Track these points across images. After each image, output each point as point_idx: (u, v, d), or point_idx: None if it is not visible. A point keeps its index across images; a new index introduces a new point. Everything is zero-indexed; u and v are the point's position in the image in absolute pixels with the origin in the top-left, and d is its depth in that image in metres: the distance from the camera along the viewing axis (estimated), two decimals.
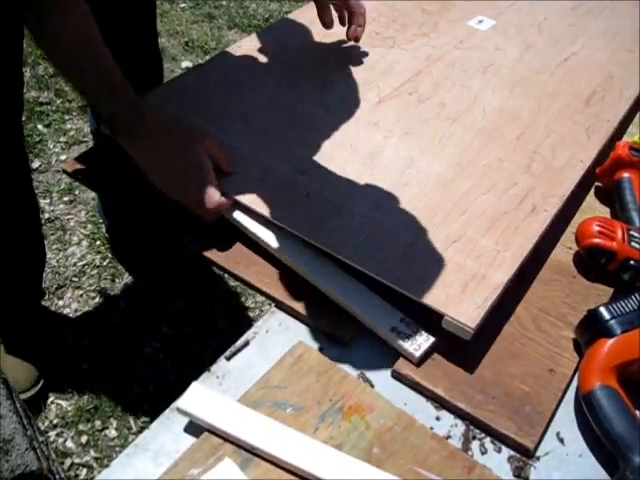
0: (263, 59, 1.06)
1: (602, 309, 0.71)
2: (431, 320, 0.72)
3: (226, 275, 0.81)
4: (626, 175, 0.89)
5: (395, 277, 0.73)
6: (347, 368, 0.70)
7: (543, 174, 0.89)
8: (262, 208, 0.80)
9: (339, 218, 0.80)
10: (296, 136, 0.91)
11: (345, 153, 0.89)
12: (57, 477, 0.69)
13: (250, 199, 0.81)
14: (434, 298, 0.71)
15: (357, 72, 1.05)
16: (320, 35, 1.13)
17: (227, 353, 0.71)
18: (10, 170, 1.15)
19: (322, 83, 1.02)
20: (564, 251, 0.85)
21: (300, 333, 0.74)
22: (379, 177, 0.86)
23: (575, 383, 0.70)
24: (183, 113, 0.92)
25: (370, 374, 0.70)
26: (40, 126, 1.99)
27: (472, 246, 0.77)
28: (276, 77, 1.02)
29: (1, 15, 0.92)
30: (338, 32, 1.14)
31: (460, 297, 0.71)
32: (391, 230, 0.79)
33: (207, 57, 2.35)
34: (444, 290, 0.72)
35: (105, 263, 1.63)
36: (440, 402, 0.68)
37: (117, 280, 1.60)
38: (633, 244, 0.79)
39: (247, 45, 1.09)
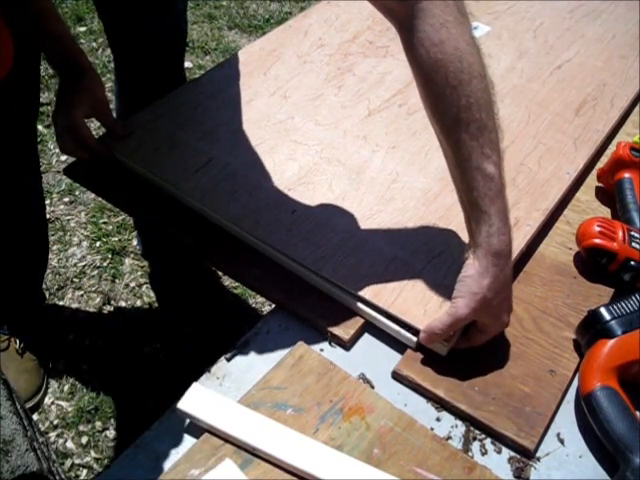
0: (257, 72, 1.06)
1: (602, 310, 0.71)
2: None
3: (226, 275, 0.81)
4: (627, 175, 0.89)
5: (374, 293, 0.74)
6: (347, 369, 0.70)
7: (528, 187, 0.89)
8: (247, 226, 0.80)
9: (323, 234, 0.80)
10: (285, 152, 0.91)
11: (332, 168, 0.90)
12: (57, 478, 0.69)
13: (237, 216, 0.81)
14: (411, 314, 0.72)
15: (349, 84, 1.05)
16: (315, 46, 1.13)
17: (227, 354, 0.71)
18: (24, 174, 1.15)
19: (313, 97, 1.02)
20: (565, 252, 0.85)
21: (300, 334, 0.74)
22: (365, 192, 0.86)
23: (576, 384, 0.70)
24: (176, 129, 0.92)
25: (370, 375, 0.70)
26: (40, 127, 1.99)
27: (452, 261, 0.77)
28: (269, 91, 1.02)
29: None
30: (332, 42, 1.14)
31: (438, 313, 0.71)
32: (374, 245, 0.79)
33: (207, 57, 2.35)
34: (422, 306, 0.73)
35: (105, 264, 1.62)
36: (440, 403, 0.68)
37: (117, 280, 1.60)
38: (634, 245, 0.79)
39: (242, 57, 1.09)
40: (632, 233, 0.80)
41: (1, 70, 0.53)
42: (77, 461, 1.27)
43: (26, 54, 0.89)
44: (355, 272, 0.76)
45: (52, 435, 1.30)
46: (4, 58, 0.55)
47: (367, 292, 0.74)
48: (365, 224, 0.82)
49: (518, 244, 0.80)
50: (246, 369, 0.70)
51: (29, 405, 1.32)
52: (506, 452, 0.65)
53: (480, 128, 0.65)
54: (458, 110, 0.64)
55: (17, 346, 1.34)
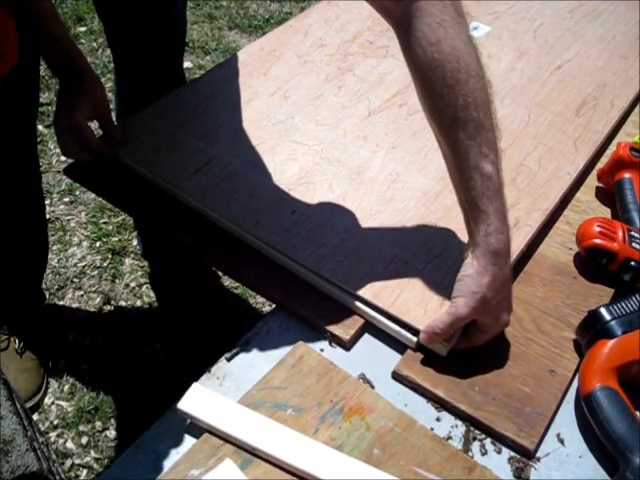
0: (257, 72, 1.06)
1: (603, 310, 0.71)
2: None
3: (226, 275, 0.81)
4: (627, 176, 0.89)
5: (374, 294, 0.74)
6: (347, 369, 0.70)
7: (528, 187, 0.89)
8: (247, 226, 0.80)
9: (323, 235, 0.80)
10: (286, 152, 0.91)
11: (333, 168, 0.89)
12: (57, 478, 0.69)
13: (237, 216, 0.81)
14: (411, 314, 0.72)
15: (349, 84, 1.05)
16: (315, 46, 1.13)
17: (228, 354, 0.71)
18: (24, 174, 1.15)
19: (314, 97, 1.02)
20: (565, 252, 0.85)
21: (300, 334, 0.74)
22: (365, 192, 0.86)
23: (576, 384, 0.70)
24: (176, 129, 0.92)
25: (370, 375, 0.70)
26: (40, 127, 1.99)
27: (452, 262, 0.77)
28: (269, 91, 1.02)
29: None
30: (332, 42, 1.14)
31: (438, 313, 0.71)
32: (374, 245, 0.79)
33: (207, 57, 2.35)
34: (422, 306, 0.73)
35: (105, 264, 1.63)
36: (440, 403, 0.68)
37: (117, 280, 1.60)
38: (634, 245, 0.79)
39: (242, 57, 1.09)
40: (632, 233, 0.80)
41: (7, 65, 0.52)
42: (77, 461, 1.27)
43: (27, 53, 0.89)
44: (355, 272, 0.76)
45: (52, 435, 1.30)
46: (10, 52, 0.53)
47: (367, 292, 0.74)
48: (365, 224, 0.82)
49: (518, 244, 0.80)
50: (246, 369, 0.70)
51: (29, 405, 1.33)
52: (506, 452, 0.65)
53: (477, 127, 0.65)
54: (455, 109, 0.65)
55: (17, 346, 1.34)
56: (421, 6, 0.63)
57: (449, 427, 0.67)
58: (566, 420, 0.69)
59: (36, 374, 1.36)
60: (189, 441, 0.63)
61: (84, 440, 1.30)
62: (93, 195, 1.74)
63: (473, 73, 0.65)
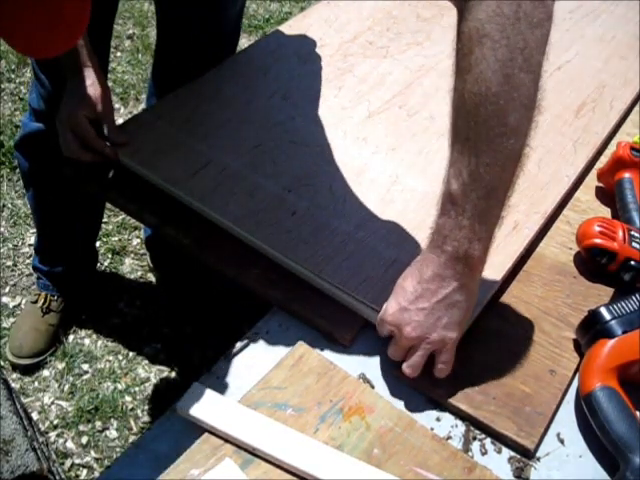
0: (257, 72, 1.06)
1: (603, 310, 0.71)
2: None
3: (226, 276, 0.81)
4: (627, 175, 0.89)
5: (374, 297, 0.73)
6: (347, 369, 0.70)
7: (527, 190, 0.88)
8: (247, 227, 0.80)
9: (323, 237, 0.80)
10: (286, 153, 0.91)
11: (333, 170, 0.89)
12: (57, 478, 0.69)
13: (236, 217, 0.81)
14: None
15: (349, 85, 1.05)
16: (315, 46, 1.12)
17: (227, 354, 0.71)
18: None
19: (314, 98, 1.01)
20: (565, 252, 0.85)
21: (300, 334, 0.74)
22: (365, 194, 0.86)
23: (576, 384, 0.70)
24: (176, 130, 0.92)
25: (370, 375, 0.70)
26: None
27: None
28: (269, 91, 1.02)
29: None
30: (332, 43, 1.13)
31: None
32: (374, 248, 0.79)
33: None
34: None
35: (105, 264, 1.63)
36: (440, 403, 0.68)
37: (118, 280, 1.60)
38: (634, 244, 0.79)
39: (242, 57, 1.08)
40: (632, 233, 0.80)
41: (81, 26, 0.47)
42: (77, 461, 1.27)
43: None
44: (355, 275, 0.76)
45: (52, 435, 1.30)
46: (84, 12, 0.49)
47: (367, 295, 0.74)
48: (365, 226, 0.82)
49: (517, 248, 0.81)
50: (246, 369, 0.70)
51: (24, 362, 1.37)
52: (506, 452, 0.65)
53: (468, 147, 0.63)
54: (456, 122, 0.63)
55: (44, 304, 1.40)
56: None
57: (449, 427, 0.67)
58: (566, 420, 0.69)
59: (46, 338, 1.40)
60: (189, 441, 0.63)
61: (84, 440, 1.30)
62: None
63: (495, 92, 0.62)
